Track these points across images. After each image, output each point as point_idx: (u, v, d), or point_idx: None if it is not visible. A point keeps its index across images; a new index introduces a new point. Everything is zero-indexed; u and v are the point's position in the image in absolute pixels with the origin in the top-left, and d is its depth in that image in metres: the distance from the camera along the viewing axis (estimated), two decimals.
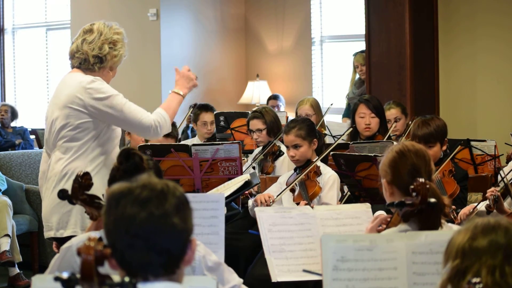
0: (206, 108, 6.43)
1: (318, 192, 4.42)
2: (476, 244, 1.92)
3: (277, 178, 4.84)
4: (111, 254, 1.76)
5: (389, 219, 2.95)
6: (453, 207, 3.86)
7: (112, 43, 3.82)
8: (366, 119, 5.34)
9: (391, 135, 5.48)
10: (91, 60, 3.79)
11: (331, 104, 6.85)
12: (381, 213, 3.33)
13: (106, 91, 3.73)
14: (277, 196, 4.41)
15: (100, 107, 3.71)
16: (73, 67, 3.85)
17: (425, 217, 2.73)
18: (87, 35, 3.82)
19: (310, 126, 4.61)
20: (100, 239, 1.74)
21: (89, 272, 1.69)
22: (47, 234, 3.80)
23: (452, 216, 3.80)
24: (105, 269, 1.75)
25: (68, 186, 3.64)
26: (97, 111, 3.71)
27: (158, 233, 1.80)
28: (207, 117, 6.35)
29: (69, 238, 3.64)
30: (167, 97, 3.98)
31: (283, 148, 5.32)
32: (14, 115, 9.30)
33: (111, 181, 2.76)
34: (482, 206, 4.01)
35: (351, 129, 5.23)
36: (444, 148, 4.39)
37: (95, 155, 3.75)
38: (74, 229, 3.71)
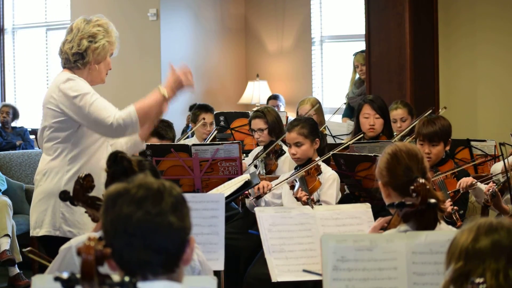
0: (206, 108, 6.42)
1: (317, 186, 4.45)
2: (479, 246, 1.92)
3: (277, 177, 4.85)
4: (110, 255, 1.76)
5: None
6: (455, 208, 3.88)
7: (91, 36, 3.72)
8: (371, 120, 5.32)
9: (394, 134, 5.47)
10: (72, 58, 3.71)
11: (344, 103, 6.89)
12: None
13: (77, 89, 3.60)
14: (275, 185, 4.51)
15: (69, 105, 3.60)
16: (62, 67, 3.81)
17: (424, 216, 2.73)
18: (68, 34, 3.77)
19: (313, 126, 4.64)
20: (100, 238, 1.74)
21: (89, 272, 1.69)
22: (31, 232, 3.78)
23: (455, 218, 3.82)
24: (105, 269, 1.75)
25: (46, 185, 3.65)
26: (67, 110, 3.61)
27: (155, 232, 1.81)
28: (207, 117, 6.34)
29: (44, 237, 3.66)
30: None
31: (284, 147, 5.33)
32: (15, 115, 9.28)
33: (107, 184, 2.77)
34: (482, 185, 4.12)
35: (351, 143, 5.13)
36: (447, 148, 4.41)
37: (74, 155, 3.65)
38: (47, 229, 3.64)
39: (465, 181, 4.08)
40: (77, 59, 3.72)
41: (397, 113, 5.64)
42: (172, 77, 3.65)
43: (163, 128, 5.02)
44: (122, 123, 3.54)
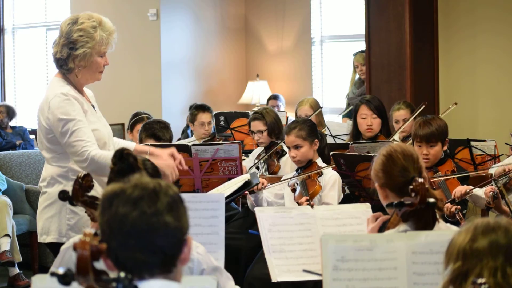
0: (204, 108, 6.40)
1: (318, 190, 4.44)
2: (476, 246, 1.92)
3: (277, 178, 4.84)
4: (107, 255, 1.76)
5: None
6: (458, 207, 3.88)
7: (72, 43, 3.57)
8: (368, 120, 5.32)
9: (396, 135, 5.47)
10: (56, 63, 3.64)
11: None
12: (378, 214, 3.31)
13: (64, 111, 3.52)
14: (270, 186, 4.58)
15: (54, 126, 3.55)
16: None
17: (423, 215, 2.73)
18: (57, 36, 3.65)
19: (311, 127, 4.62)
20: (95, 234, 1.74)
21: (84, 267, 1.69)
22: (38, 238, 3.77)
23: (458, 217, 3.82)
24: (104, 266, 1.75)
25: (52, 192, 3.62)
26: (53, 129, 3.56)
27: (151, 232, 1.80)
28: (205, 117, 6.33)
29: (51, 244, 3.64)
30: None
31: (285, 147, 5.33)
32: (11, 114, 9.18)
33: (108, 182, 2.76)
34: (478, 191, 4.09)
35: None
36: (445, 148, 4.40)
37: (74, 165, 3.59)
38: (54, 236, 3.63)
39: (459, 190, 4.05)
40: (62, 64, 3.62)
41: (400, 113, 5.62)
42: (164, 158, 3.61)
43: (159, 130, 5.00)
44: (96, 160, 3.47)
